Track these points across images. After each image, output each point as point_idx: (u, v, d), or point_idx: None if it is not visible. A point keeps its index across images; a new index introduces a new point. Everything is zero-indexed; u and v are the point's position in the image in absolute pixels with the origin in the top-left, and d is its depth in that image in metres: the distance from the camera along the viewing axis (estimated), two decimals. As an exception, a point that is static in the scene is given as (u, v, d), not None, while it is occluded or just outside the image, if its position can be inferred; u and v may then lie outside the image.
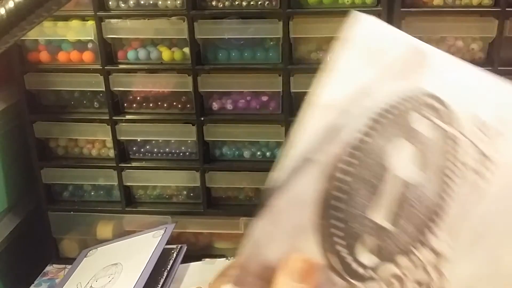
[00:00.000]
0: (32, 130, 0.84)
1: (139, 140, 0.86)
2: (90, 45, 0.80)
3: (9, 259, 0.85)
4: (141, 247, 0.78)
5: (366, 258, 0.35)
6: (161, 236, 0.79)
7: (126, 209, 0.87)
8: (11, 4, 0.32)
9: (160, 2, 0.77)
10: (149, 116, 0.83)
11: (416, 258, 0.35)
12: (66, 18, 0.79)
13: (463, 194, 0.35)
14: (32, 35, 0.79)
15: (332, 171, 0.34)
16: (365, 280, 0.35)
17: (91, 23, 0.78)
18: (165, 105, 0.83)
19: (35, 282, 0.85)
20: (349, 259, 0.34)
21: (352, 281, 0.34)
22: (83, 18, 0.79)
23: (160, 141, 0.86)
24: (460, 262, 0.35)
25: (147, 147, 0.86)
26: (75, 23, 0.79)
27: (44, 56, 0.81)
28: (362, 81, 0.36)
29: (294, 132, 0.35)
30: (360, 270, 0.34)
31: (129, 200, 0.88)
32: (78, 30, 0.79)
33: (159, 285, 0.73)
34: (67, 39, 0.80)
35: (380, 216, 0.35)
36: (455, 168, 0.36)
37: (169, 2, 0.77)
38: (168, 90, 0.82)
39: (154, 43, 0.80)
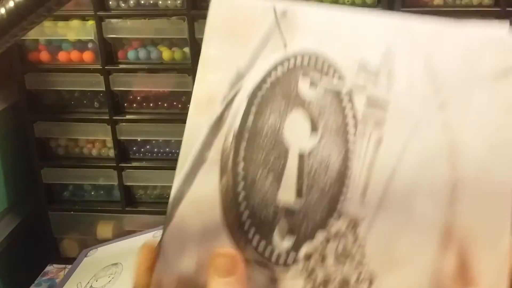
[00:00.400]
0: (32, 130, 0.84)
1: (139, 140, 0.86)
2: (90, 45, 0.80)
3: (9, 259, 0.85)
4: (141, 247, 0.78)
5: (285, 242, 0.34)
6: (160, 236, 0.79)
7: (126, 209, 0.87)
8: (11, 4, 0.32)
9: (160, 2, 0.77)
10: (149, 116, 0.83)
11: (333, 228, 0.34)
12: (67, 18, 0.79)
13: (363, 149, 0.34)
14: (32, 35, 0.79)
15: (228, 164, 0.33)
16: (289, 264, 0.34)
17: (91, 23, 0.78)
18: (165, 105, 0.83)
19: (35, 282, 0.85)
20: (268, 247, 0.33)
21: (277, 268, 0.33)
22: (84, 18, 0.79)
23: (160, 141, 0.86)
24: (374, 220, 0.34)
25: (147, 147, 0.86)
26: (75, 23, 0.79)
27: (44, 56, 0.81)
28: (233, 63, 0.34)
29: (184, 136, 0.34)
30: (283, 256, 0.34)
31: (129, 200, 0.88)
32: (79, 30, 0.79)
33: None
34: (67, 39, 0.80)
35: (290, 195, 0.34)
36: (351, 122, 0.35)
37: (169, 2, 0.77)
38: (168, 90, 0.82)
39: (154, 43, 0.80)
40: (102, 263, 0.78)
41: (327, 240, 0.34)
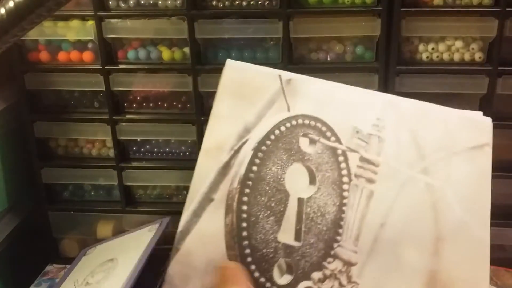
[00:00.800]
0: (32, 130, 0.84)
1: (139, 140, 0.86)
2: (90, 45, 0.80)
3: (9, 259, 0.85)
4: (137, 242, 0.78)
5: (283, 279, 0.37)
6: (155, 230, 0.79)
7: (126, 209, 0.87)
8: (11, 4, 0.32)
9: (160, 2, 0.77)
10: (149, 116, 0.83)
11: (328, 270, 0.38)
12: (66, 18, 0.79)
13: (356, 200, 0.39)
14: (32, 35, 0.79)
15: (233, 205, 0.37)
16: None
17: (91, 23, 0.78)
18: (165, 105, 0.83)
19: (35, 282, 0.85)
20: (268, 283, 0.37)
21: None
22: (83, 18, 0.79)
23: (160, 141, 0.86)
24: (366, 264, 0.38)
25: (147, 147, 0.86)
26: (75, 23, 0.79)
27: (44, 56, 0.81)
28: (241, 118, 0.39)
29: (193, 177, 0.39)
30: None
31: (129, 200, 0.88)
32: (78, 30, 0.79)
33: (158, 285, 0.73)
34: (67, 39, 0.80)
35: (289, 237, 0.38)
36: (345, 178, 0.40)
37: (169, 2, 0.77)
38: (168, 90, 0.82)
39: (154, 43, 0.80)
40: (99, 260, 0.78)
41: (322, 281, 0.38)
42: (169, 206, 0.87)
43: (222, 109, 0.39)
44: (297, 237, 0.37)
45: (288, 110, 0.40)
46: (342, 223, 0.38)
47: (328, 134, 0.40)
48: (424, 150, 0.40)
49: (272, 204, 0.37)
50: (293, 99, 0.40)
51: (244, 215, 0.37)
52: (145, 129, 0.83)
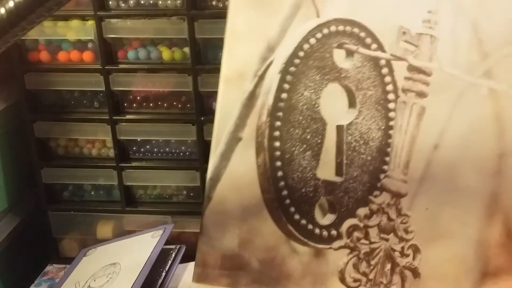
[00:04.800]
0: (32, 130, 0.84)
1: (139, 140, 0.86)
2: (90, 45, 0.80)
3: (9, 259, 0.85)
4: (140, 247, 0.78)
5: (326, 219, 0.34)
6: (159, 236, 0.79)
7: (126, 209, 0.87)
8: (11, 4, 0.32)
9: (160, 2, 0.77)
10: (149, 116, 0.83)
11: (374, 205, 0.34)
12: (66, 18, 0.79)
13: (405, 120, 0.34)
14: (32, 34, 0.79)
15: (263, 142, 0.33)
16: (331, 241, 0.34)
17: (91, 23, 0.78)
18: (165, 105, 0.83)
19: (35, 282, 0.85)
20: (309, 225, 0.34)
21: (318, 245, 0.33)
22: (83, 18, 0.79)
23: (160, 141, 0.86)
24: (417, 194, 0.34)
25: (147, 147, 0.86)
26: (75, 22, 0.79)
27: (44, 55, 0.81)
28: (262, 34, 0.33)
29: (216, 114, 0.32)
30: (324, 233, 0.34)
31: (129, 200, 0.88)
32: (78, 30, 0.79)
33: (157, 286, 0.73)
34: (67, 39, 0.80)
35: (329, 172, 0.34)
36: (391, 94, 0.34)
37: (169, 2, 0.77)
38: (168, 90, 0.82)
39: (154, 42, 0.80)
40: (100, 262, 0.78)
41: (369, 216, 0.34)
42: (169, 206, 0.87)
43: (239, 24, 0.33)
44: (339, 172, 0.33)
45: (318, 16, 0.33)
46: (389, 149, 0.33)
47: (368, 40, 0.33)
48: (486, 46, 0.33)
49: (308, 137, 0.33)
50: (322, 0, 0.33)
51: (277, 153, 0.32)
52: (145, 129, 0.83)
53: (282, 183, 0.33)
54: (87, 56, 0.81)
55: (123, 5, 0.78)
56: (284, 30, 0.33)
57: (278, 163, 0.32)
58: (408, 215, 0.34)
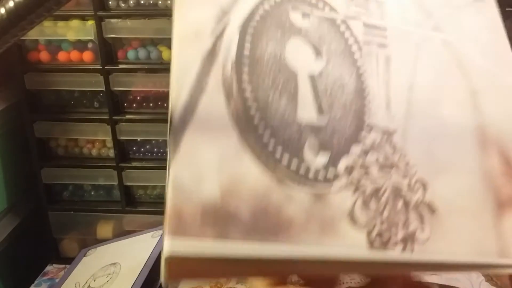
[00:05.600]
0: (32, 130, 0.84)
1: (139, 140, 0.86)
2: (90, 45, 0.80)
3: (9, 259, 0.85)
4: (140, 247, 0.78)
5: (320, 158, 0.31)
6: (159, 236, 0.79)
7: (126, 209, 0.87)
8: (11, 4, 0.32)
9: (160, 2, 0.77)
10: (149, 116, 0.83)
11: (368, 141, 0.32)
12: (66, 18, 0.79)
13: (373, 67, 0.34)
14: (32, 34, 0.79)
15: (232, 89, 0.31)
16: (330, 182, 0.31)
17: (91, 23, 0.78)
18: (165, 105, 0.83)
19: (35, 282, 0.85)
20: (302, 164, 0.30)
21: (318, 184, 0.30)
22: (83, 18, 0.79)
23: (160, 141, 0.86)
24: (407, 129, 0.33)
25: (147, 147, 0.86)
26: (75, 22, 0.79)
27: (44, 55, 0.81)
28: (213, 2, 0.32)
29: (172, 72, 0.31)
30: (321, 171, 0.31)
31: (129, 200, 0.88)
32: (78, 30, 0.79)
33: (157, 286, 0.73)
34: (67, 39, 0.80)
35: (311, 113, 0.32)
36: (354, 46, 0.34)
37: (169, 1, 0.77)
38: (168, 90, 0.82)
39: (154, 42, 0.80)
40: (100, 262, 0.78)
41: (365, 152, 0.32)
42: (169, 206, 0.87)
43: None
44: (320, 111, 0.31)
45: None
46: (366, 93, 0.33)
47: (320, 5, 0.34)
48: (428, 8, 0.36)
49: (280, 82, 0.31)
50: None
51: (250, 98, 0.30)
52: (145, 129, 0.83)
53: (262, 125, 0.30)
54: (87, 56, 0.81)
55: (123, 5, 0.78)
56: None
57: (253, 111, 0.30)
58: (405, 150, 0.32)
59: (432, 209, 0.32)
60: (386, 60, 0.34)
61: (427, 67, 0.35)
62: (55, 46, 0.81)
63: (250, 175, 0.30)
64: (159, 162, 0.86)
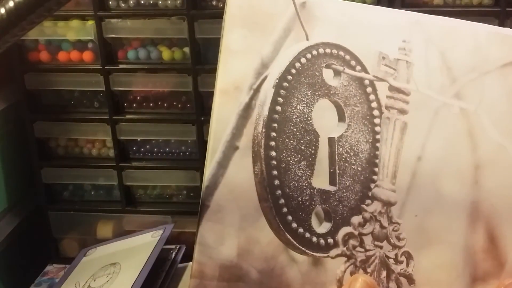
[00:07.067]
0: (32, 130, 0.84)
1: (139, 140, 0.86)
2: (90, 45, 0.80)
3: (9, 259, 0.85)
4: (140, 247, 0.78)
5: (322, 227, 0.35)
6: (159, 236, 0.79)
7: (126, 209, 0.87)
8: (11, 4, 0.32)
9: (160, 2, 0.77)
10: (149, 116, 0.83)
11: (367, 213, 0.35)
12: (66, 18, 0.79)
13: (389, 134, 0.36)
14: (32, 34, 0.79)
15: (260, 151, 0.34)
16: (328, 249, 0.35)
17: (91, 23, 0.78)
18: (165, 105, 0.83)
19: (35, 282, 0.85)
20: (306, 233, 0.34)
21: (316, 254, 0.35)
22: (83, 18, 0.79)
23: (160, 141, 0.86)
24: (406, 203, 0.36)
25: (147, 147, 0.86)
26: (75, 22, 0.79)
27: (44, 55, 0.81)
28: (256, 52, 0.35)
29: (211, 124, 0.34)
30: (321, 241, 0.35)
31: (129, 200, 0.88)
32: (78, 30, 0.79)
33: (157, 286, 0.73)
34: (67, 39, 0.80)
35: (324, 181, 0.35)
36: (376, 111, 0.36)
37: (169, 2, 0.77)
38: (168, 90, 0.82)
39: (154, 42, 0.80)
40: (100, 262, 0.78)
41: (363, 224, 0.35)
42: (169, 206, 0.87)
43: (234, 41, 0.35)
44: (332, 181, 0.35)
45: (307, 39, 0.35)
46: (377, 161, 0.35)
47: (353, 63, 0.36)
48: (454, 72, 0.37)
49: (302, 147, 0.34)
50: (310, 25, 0.35)
51: (274, 162, 0.34)
52: (145, 129, 0.83)
53: (279, 192, 0.34)
54: (87, 56, 0.81)
55: (123, 5, 0.78)
56: (277, 49, 0.35)
57: (275, 172, 0.34)
58: (399, 223, 0.35)
59: (411, 280, 0.36)
60: (403, 127, 0.36)
61: (439, 137, 0.36)
62: (55, 46, 0.81)
63: (263, 237, 0.34)
64: (159, 162, 0.86)
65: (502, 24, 0.71)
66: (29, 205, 0.90)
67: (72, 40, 0.80)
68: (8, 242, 0.84)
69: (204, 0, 0.76)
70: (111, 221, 0.89)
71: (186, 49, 0.78)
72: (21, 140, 0.86)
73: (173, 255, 0.80)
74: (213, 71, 0.84)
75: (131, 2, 0.77)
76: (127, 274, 0.72)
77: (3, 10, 0.32)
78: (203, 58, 0.79)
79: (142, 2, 0.77)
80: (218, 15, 0.77)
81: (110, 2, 0.77)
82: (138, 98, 0.83)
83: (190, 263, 0.83)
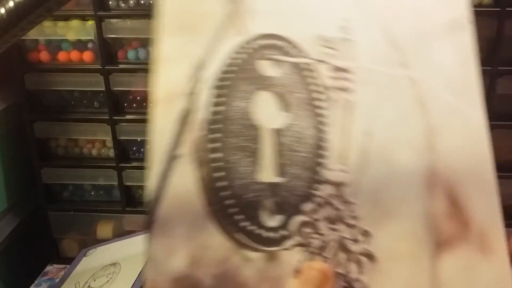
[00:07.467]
0: (32, 130, 0.84)
1: (139, 140, 0.86)
2: (90, 45, 0.80)
3: (9, 259, 0.85)
4: (140, 247, 0.78)
5: (273, 220, 0.34)
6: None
7: (126, 209, 0.87)
8: (11, 4, 0.32)
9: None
10: (149, 116, 0.83)
11: (319, 198, 0.34)
12: (66, 18, 0.79)
13: (337, 115, 0.35)
14: (32, 34, 0.79)
15: (201, 155, 0.33)
16: (281, 242, 0.34)
17: (91, 23, 0.78)
18: (165, 105, 0.83)
19: (35, 282, 0.85)
20: (256, 230, 0.33)
21: (269, 248, 0.34)
22: (83, 18, 0.79)
23: (160, 141, 0.86)
24: (359, 181, 0.35)
25: (147, 147, 0.86)
26: (75, 22, 0.79)
27: (44, 56, 0.81)
28: (189, 57, 0.34)
29: (149, 136, 0.34)
30: (272, 235, 0.34)
31: (129, 200, 0.88)
32: (78, 30, 0.79)
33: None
34: (67, 39, 0.80)
35: (268, 174, 0.34)
36: (319, 94, 0.35)
37: (169, 2, 0.77)
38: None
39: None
40: (100, 263, 0.78)
41: (316, 209, 0.34)
42: (169, 206, 0.87)
43: (167, 50, 0.34)
44: (279, 172, 0.34)
45: (245, 33, 0.35)
46: (324, 144, 0.35)
47: (293, 50, 0.35)
48: (399, 43, 0.36)
49: (246, 144, 0.33)
50: (244, 19, 0.35)
51: (219, 164, 0.33)
52: (145, 129, 0.83)
53: (226, 193, 0.33)
54: (87, 56, 0.81)
55: (123, 5, 0.78)
56: (212, 50, 0.35)
57: (221, 173, 0.33)
58: (353, 202, 0.35)
59: (371, 258, 0.35)
60: (350, 106, 0.36)
61: (388, 109, 0.36)
62: (55, 46, 0.81)
63: (213, 242, 0.33)
64: (159, 162, 0.86)
65: (502, 24, 0.72)
66: (29, 205, 0.90)
67: (72, 40, 0.80)
68: (8, 242, 0.84)
69: (204, 0, 0.76)
70: (111, 221, 0.89)
71: (186, 49, 0.78)
72: (21, 140, 0.86)
73: (173, 255, 0.80)
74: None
75: (131, 2, 0.77)
76: (127, 274, 0.72)
77: (3, 10, 0.32)
78: (203, 58, 0.79)
79: (142, 2, 0.77)
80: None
81: (110, 2, 0.77)
82: (138, 98, 0.83)
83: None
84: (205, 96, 0.34)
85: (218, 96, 0.34)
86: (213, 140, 0.34)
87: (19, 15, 0.32)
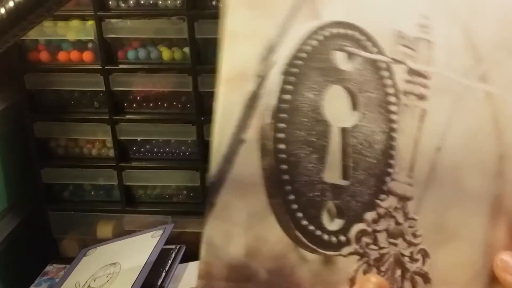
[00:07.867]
0: (32, 130, 0.84)
1: (139, 140, 0.86)
2: (90, 45, 0.80)
3: (9, 259, 0.85)
4: (140, 247, 0.78)
5: (334, 224, 0.32)
6: (159, 236, 0.79)
7: (126, 209, 0.87)
8: (11, 4, 0.32)
9: (160, 2, 0.77)
10: (149, 116, 0.83)
11: (382, 209, 0.33)
12: (66, 18, 0.79)
13: (407, 123, 0.33)
14: (32, 34, 0.79)
15: (267, 144, 0.31)
16: (339, 248, 0.33)
17: (91, 23, 0.78)
18: (165, 105, 0.83)
19: (35, 282, 0.85)
20: (317, 231, 0.32)
21: (326, 252, 0.32)
22: (83, 18, 0.79)
23: (160, 141, 0.86)
24: (423, 197, 0.33)
25: (147, 147, 0.86)
26: (75, 22, 0.79)
27: (44, 55, 0.81)
28: (262, 35, 0.32)
29: (216, 116, 0.31)
30: (333, 239, 0.32)
31: (129, 200, 0.88)
32: (78, 30, 0.79)
33: (157, 286, 0.73)
34: (67, 39, 0.80)
35: (336, 175, 0.32)
36: (393, 97, 0.33)
37: (169, 2, 0.77)
38: (168, 90, 0.82)
39: (154, 43, 0.80)
40: (100, 262, 0.78)
41: (377, 221, 0.33)
42: (169, 206, 0.87)
43: (237, 24, 0.31)
44: (345, 175, 0.32)
45: (318, 18, 0.32)
46: (393, 152, 0.32)
47: (368, 44, 0.32)
48: (480, 51, 0.33)
49: (313, 139, 0.31)
50: (321, 2, 0.32)
51: (283, 156, 0.31)
52: (145, 129, 0.83)
53: (289, 187, 0.31)
54: (87, 56, 0.80)
55: (123, 5, 0.78)
56: (284, 31, 0.32)
57: (284, 166, 0.31)
58: (415, 219, 0.33)
59: (426, 279, 0.33)
60: (422, 115, 0.33)
61: (461, 125, 0.33)
62: (55, 46, 0.81)
63: (272, 235, 0.31)
64: (159, 162, 0.86)
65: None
66: (29, 205, 0.90)
67: (72, 40, 0.80)
68: (8, 242, 0.84)
69: (204, 0, 0.76)
70: (111, 221, 0.89)
71: (186, 49, 0.78)
72: (21, 140, 0.86)
73: (173, 255, 0.80)
74: (213, 71, 0.84)
75: (131, 2, 0.77)
76: (127, 274, 0.72)
77: (3, 10, 0.32)
78: (203, 58, 0.79)
79: (142, 2, 0.77)
80: (218, 15, 0.77)
81: (110, 2, 0.77)
82: (138, 98, 0.83)
83: (190, 263, 0.84)
84: (274, 81, 0.31)
85: (289, 83, 0.32)
86: (279, 130, 0.31)
87: (19, 15, 0.32)
